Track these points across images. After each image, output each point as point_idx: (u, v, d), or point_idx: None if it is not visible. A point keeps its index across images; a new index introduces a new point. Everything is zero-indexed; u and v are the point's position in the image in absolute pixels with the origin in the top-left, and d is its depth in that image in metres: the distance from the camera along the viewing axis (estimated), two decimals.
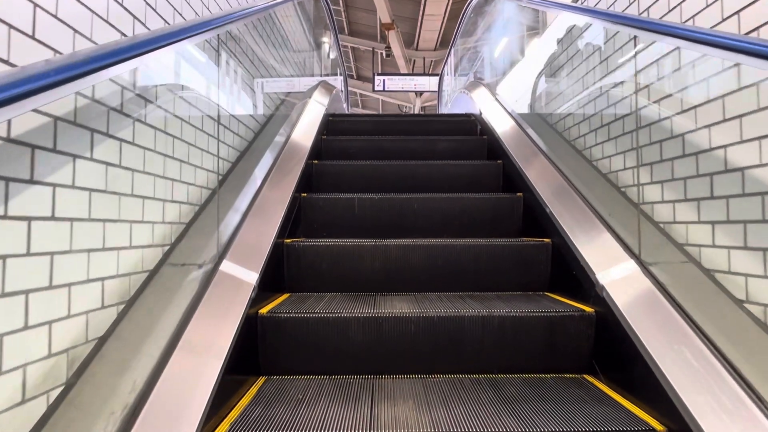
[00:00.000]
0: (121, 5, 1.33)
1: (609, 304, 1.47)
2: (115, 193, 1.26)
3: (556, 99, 2.84)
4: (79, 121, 1.12)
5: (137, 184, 1.37)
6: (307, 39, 4.60)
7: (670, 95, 1.70)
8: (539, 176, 2.32)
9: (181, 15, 1.70)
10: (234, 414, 1.26)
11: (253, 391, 1.43)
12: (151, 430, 0.99)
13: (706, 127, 1.49)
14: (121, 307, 1.28)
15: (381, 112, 20.52)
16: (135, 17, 1.39)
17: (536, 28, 3.52)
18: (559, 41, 2.79)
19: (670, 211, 1.68)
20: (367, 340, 1.58)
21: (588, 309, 1.61)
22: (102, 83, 1.19)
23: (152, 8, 1.50)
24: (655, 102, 1.77)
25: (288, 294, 1.97)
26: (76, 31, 1.13)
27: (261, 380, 1.53)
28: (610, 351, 1.49)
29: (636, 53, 1.91)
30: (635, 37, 1.71)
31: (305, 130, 2.96)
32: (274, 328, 1.58)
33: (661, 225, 1.72)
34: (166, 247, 1.54)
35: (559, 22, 2.88)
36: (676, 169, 1.65)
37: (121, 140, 1.30)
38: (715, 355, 1.17)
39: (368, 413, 1.26)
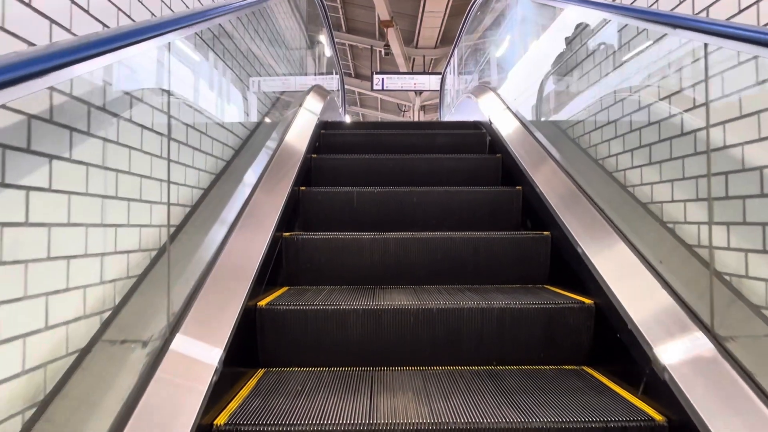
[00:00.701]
0: (28, 5, 0.98)
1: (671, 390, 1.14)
2: (16, 262, 0.92)
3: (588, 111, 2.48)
4: None
5: (57, 243, 1.03)
6: (302, 35, 4.26)
7: (739, 117, 1.37)
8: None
9: (129, 16, 1.35)
10: (233, 405, 1.24)
11: (252, 383, 1.42)
12: None
13: None
14: (31, 412, 0.95)
15: (382, 121, 20.20)
16: (53, 21, 1.05)
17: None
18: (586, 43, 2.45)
19: (739, 261, 1.35)
20: (366, 332, 1.57)
21: (587, 301, 1.59)
22: None
23: (82, 8, 1.15)
24: (718, 124, 1.44)
25: (287, 287, 1.95)
26: None
27: (260, 372, 1.52)
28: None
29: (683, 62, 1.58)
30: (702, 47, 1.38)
31: (298, 133, 2.79)
32: (273, 321, 1.56)
33: (726, 277, 1.39)
34: (106, 313, 1.21)
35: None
36: (749, 210, 1.32)
37: (28, 188, 0.96)
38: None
39: (368, 404, 1.26)
